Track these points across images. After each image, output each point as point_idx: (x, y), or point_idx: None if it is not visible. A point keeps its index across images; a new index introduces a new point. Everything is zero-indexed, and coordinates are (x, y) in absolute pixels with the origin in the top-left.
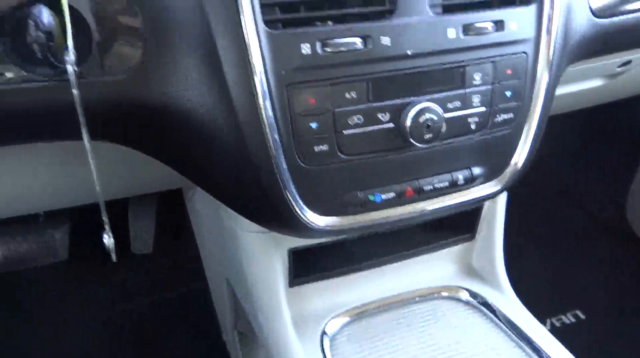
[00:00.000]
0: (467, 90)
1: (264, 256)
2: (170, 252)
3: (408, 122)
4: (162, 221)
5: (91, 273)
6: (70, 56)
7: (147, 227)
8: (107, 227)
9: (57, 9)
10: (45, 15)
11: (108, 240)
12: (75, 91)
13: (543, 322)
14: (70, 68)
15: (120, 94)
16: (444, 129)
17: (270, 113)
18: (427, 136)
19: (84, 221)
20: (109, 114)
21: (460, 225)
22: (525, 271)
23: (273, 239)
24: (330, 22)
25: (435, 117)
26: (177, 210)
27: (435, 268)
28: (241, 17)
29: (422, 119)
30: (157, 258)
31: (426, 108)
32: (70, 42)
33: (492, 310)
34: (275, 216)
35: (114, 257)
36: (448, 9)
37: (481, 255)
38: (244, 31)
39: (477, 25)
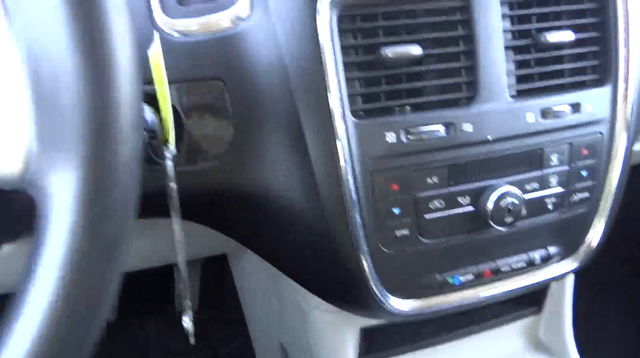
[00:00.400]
0: (545, 171)
1: (333, 333)
2: (211, 311)
3: (490, 206)
4: (203, 282)
5: (132, 331)
6: (171, 152)
7: (192, 287)
8: (189, 311)
9: (153, 104)
10: (149, 114)
11: (188, 323)
12: (173, 185)
13: None
14: (170, 164)
15: (210, 181)
16: (523, 211)
17: (355, 199)
18: (508, 220)
19: (130, 280)
20: (195, 200)
21: (528, 298)
22: (589, 337)
23: (344, 317)
24: (408, 108)
25: (516, 201)
26: (217, 272)
27: (502, 342)
28: (330, 107)
29: (503, 203)
30: (198, 317)
31: (508, 192)
32: (172, 140)
33: None
34: (352, 298)
35: (192, 340)
36: (524, 93)
37: (549, 328)
38: (333, 120)
39: (555, 109)
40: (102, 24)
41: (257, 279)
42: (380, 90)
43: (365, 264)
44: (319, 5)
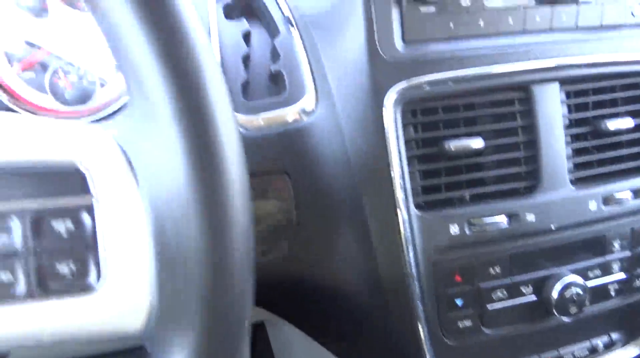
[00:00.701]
0: (607, 258)
1: None
2: None
3: (554, 296)
4: None
5: None
6: None
7: None
8: None
9: None
10: None
11: None
12: None
13: None
14: None
15: (272, 272)
16: (587, 301)
17: (417, 290)
18: (573, 310)
19: None
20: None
21: None
22: None
23: None
24: (467, 197)
25: (580, 291)
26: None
27: None
28: (396, 200)
29: (568, 293)
30: None
31: (572, 282)
32: None
33: None
34: None
35: None
36: (584, 180)
37: None
38: (398, 212)
39: (617, 195)
40: (225, 194)
41: (298, 351)
42: (441, 182)
43: (427, 355)
44: (385, 101)
